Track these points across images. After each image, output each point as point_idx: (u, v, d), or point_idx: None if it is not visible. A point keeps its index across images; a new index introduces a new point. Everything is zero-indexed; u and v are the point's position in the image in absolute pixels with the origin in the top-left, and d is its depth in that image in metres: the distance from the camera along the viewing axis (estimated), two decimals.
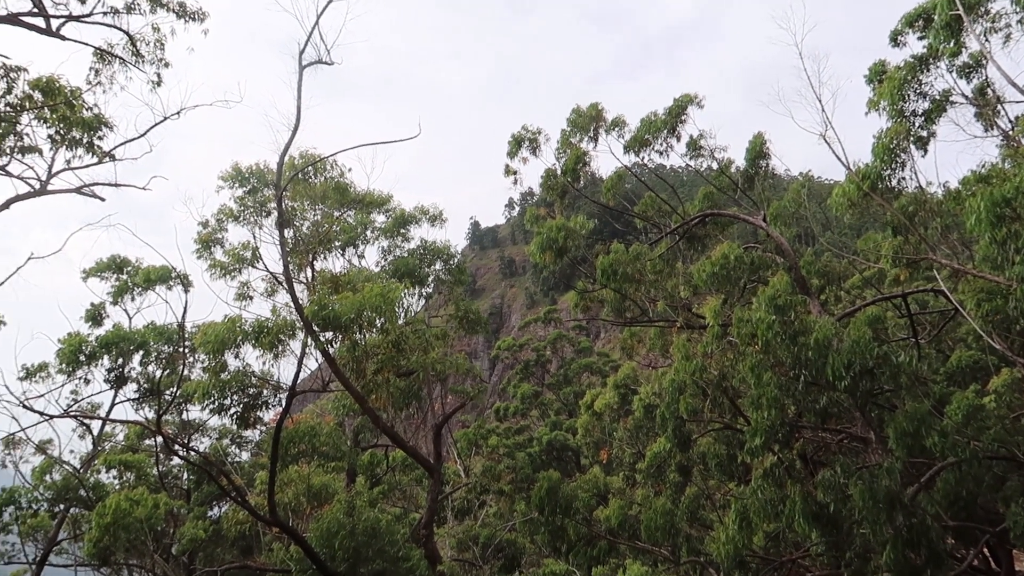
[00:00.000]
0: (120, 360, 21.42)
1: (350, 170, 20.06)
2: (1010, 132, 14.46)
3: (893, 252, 14.75)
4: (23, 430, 19.17)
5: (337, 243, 19.55)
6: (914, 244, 14.70)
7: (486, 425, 41.34)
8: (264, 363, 16.33)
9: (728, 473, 16.80)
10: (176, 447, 20.46)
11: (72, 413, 21.13)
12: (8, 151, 14.27)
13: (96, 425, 24.88)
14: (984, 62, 14.00)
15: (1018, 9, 11.60)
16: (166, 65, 15.36)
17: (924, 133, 15.17)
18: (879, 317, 16.69)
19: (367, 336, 14.68)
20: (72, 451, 25.45)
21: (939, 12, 12.78)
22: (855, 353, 11.88)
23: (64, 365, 20.12)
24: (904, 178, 14.62)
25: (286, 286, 15.32)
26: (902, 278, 15.66)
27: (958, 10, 11.09)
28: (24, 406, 16.92)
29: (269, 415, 20.46)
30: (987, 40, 13.42)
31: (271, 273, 19.00)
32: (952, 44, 13.55)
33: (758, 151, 19.22)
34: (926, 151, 15.31)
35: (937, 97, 14.98)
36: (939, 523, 11.56)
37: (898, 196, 14.76)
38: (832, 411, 13.87)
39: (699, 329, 17.28)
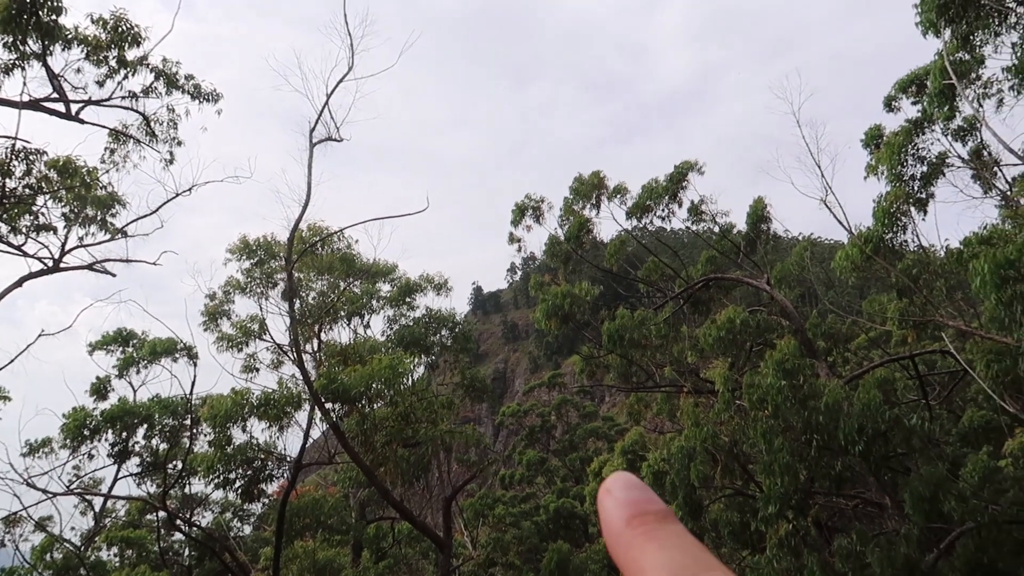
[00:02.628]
0: (124, 434, 21.23)
1: (357, 241, 20.36)
2: (1008, 193, 14.69)
3: (899, 313, 14.80)
4: (24, 508, 18.89)
5: (343, 313, 19.64)
6: (919, 305, 14.75)
7: (492, 494, 40.64)
8: (270, 435, 16.26)
9: (741, 541, 16.45)
10: (178, 522, 20.14)
11: (75, 490, 20.85)
12: (24, 230, 14.53)
13: (98, 501, 24.50)
14: (978, 126, 14.32)
15: (1009, 76, 11.95)
16: (179, 144, 15.76)
17: (923, 195, 15.41)
18: (888, 379, 16.60)
19: (376, 408, 14.63)
20: (73, 528, 24.97)
21: (932, 80, 13.13)
22: (867, 416, 11.82)
23: (68, 440, 19.92)
24: (906, 240, 14.80)
25: (294, 358, 15.33)
26: (909, 339, 15.68)
27: (951, 79, 11.43)
28: (27, 483, 16.73)
29: (273, 487, 20.19)
30: (980, 106, 13.77)
31: (277, 344, 19.05)
32: (946, 109, 13.87)
33: (759, 215, 19.48)
34: (926, 213, 15.52)
35: (934, 160, 15.26)
36: None
37: (901, 258, 14.89)
38: (846, 476, 13.70)
39: (707, 394, 17.21)
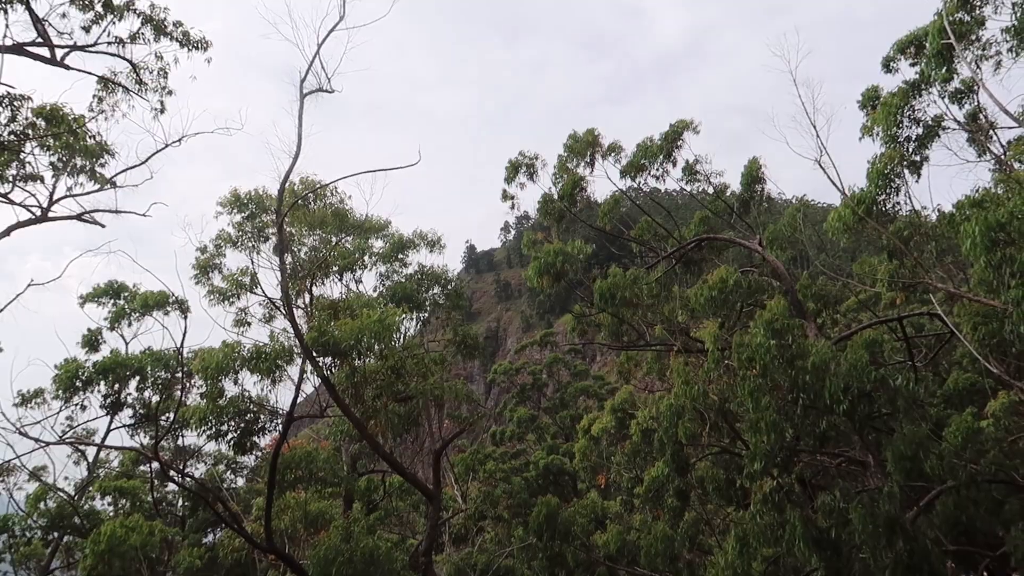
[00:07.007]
0: (116, 386, 21.29)
1: (350, 197, 20.21)
2: (1003, 157, 14.63)
3: (889, 276, 14.85)
4: (18, 457, 19.00)
5: (335, 268, 19.60)
6: (909, 268, 14.80)
7: (483, 450, 41.10)
8: (261, 389, 16.33)
9: (727, 498, 16.74)
10: (171, 473, 20.33)
11: (67, 440, 20.96)
12: (11, 179, 14.35)
13: (91, 452, 24.68)
14: (976, 88, 14.20)
15: (1008, 38, 11.82)
16: (169, 93, 15.51)
17: (917, 158, 15.33)
18: (876, 340, 16.70)
19: (366, 362, 14.68)
20: (67, 478, 25.22)
21: (931, 40, 12.99)
22: (852, 376, 11.93)
23: (60, 391, 19.97)
24: (898, 203, 14.77)
25: (285, 312, 15.32)
26: (898, 301, 15.76)
27: (949, 39, 11.31)
28: (20, 432, 16.81)
29: (265, 440, 20.37)
30: (978, 67, 13.64)
31: (269, 299, 19.03)
32: (944, 71, 13.74)
33: (754, 176, 19.37)
34: (920, 176, 15.45)
35: (930, 123, 15.16)
36: (939, 547, 11.52)
37: (893, 220, 14.89)
38: (830, 435, 13.87)
39: (696, 353, 17.32)
